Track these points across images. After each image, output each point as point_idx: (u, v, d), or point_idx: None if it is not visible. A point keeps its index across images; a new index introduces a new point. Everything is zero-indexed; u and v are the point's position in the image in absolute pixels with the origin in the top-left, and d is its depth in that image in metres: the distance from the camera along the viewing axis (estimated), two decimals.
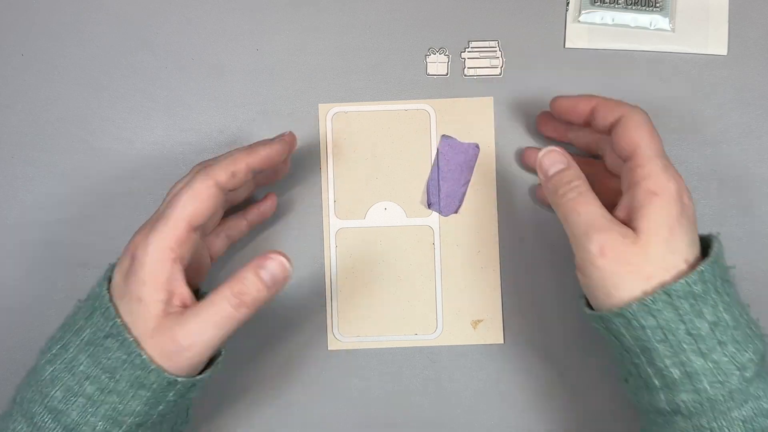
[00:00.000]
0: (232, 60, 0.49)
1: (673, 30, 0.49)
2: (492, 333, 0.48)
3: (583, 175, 0.39)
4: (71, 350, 0.37)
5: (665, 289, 0.35)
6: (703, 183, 0.48)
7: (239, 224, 0.46)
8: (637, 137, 0.38)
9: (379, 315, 0.48)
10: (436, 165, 0.47)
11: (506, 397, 0.48)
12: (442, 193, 0.47)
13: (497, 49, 0.49)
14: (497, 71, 0.49)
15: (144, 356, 0.36)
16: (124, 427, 0.37)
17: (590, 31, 0.49)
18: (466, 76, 0.49)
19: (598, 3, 0.49)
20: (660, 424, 0.37)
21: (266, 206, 0.47)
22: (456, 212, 0.48)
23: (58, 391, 0.36)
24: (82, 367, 0.37)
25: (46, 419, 0.36)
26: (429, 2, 0.49)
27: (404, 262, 0.48)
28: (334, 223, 0.48)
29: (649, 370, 0.36)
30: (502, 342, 0.48)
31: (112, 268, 0.39)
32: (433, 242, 0.48)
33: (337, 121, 0.48)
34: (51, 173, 0.49)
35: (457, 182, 0.47)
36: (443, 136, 0.47)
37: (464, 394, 0.48)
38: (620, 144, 0.39)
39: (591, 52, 0.49)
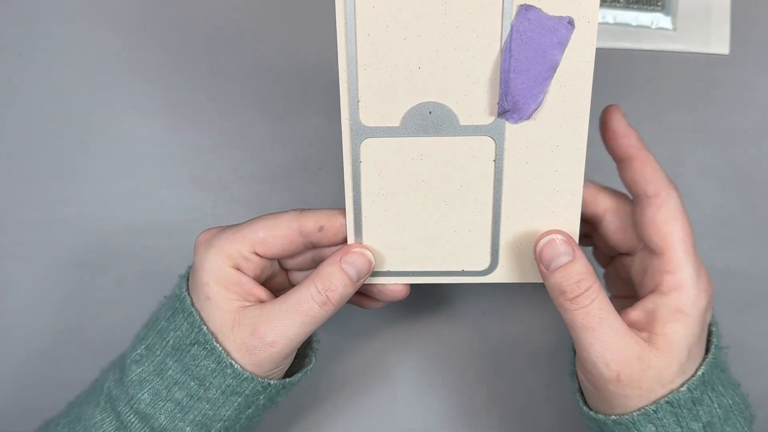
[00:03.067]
0: (232, 60, 0.49)
1: (674, 29, 0.48)
2: None
3: (593, 271, 0.35)
4: (158, 353, 0.37)
5: (668, 400, 0.34)
6: (704, 182, 0.48)
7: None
8: (672, 232, 0.34)
9: (415, 247, 0.38)
10: (508, 48, 0.33)
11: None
12: (512, 90, 0.34)
13: None
14: None
15: (236, 366, 0.35)
16: (212, 431, 0.37)
17: None
18: None
19: (600, 2, 0.48)
20: None
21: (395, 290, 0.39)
22: (529, 118, 0.35)
23: (145, 394, 0.36)
24: (170, 372, 0.36)
25: (133, 420, 0.36)
26: None
27: (452, 183, 0.36)
28: (357, 131, 0.35)
29: None
30: None
31: (189, 268, 0.39)
32: (494, 158, 0.36)
33: None
34: (50, 173, 0.49)
35: (535, 75, 0.34)
36: (522, 5, 0.33)
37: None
38: (649, 232, 0.35)
39: None
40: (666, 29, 0.49)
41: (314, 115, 0.49)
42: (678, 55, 0.49)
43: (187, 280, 0.38)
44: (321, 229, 0.37)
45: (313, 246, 0.38)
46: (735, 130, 0.48)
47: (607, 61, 0.48)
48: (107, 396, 0.37)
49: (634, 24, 0.49)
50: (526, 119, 0.35)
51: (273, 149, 0.49)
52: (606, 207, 0.38)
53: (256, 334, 0.35)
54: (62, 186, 0.49)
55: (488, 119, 0.35)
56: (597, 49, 0.49)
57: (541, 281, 0.38)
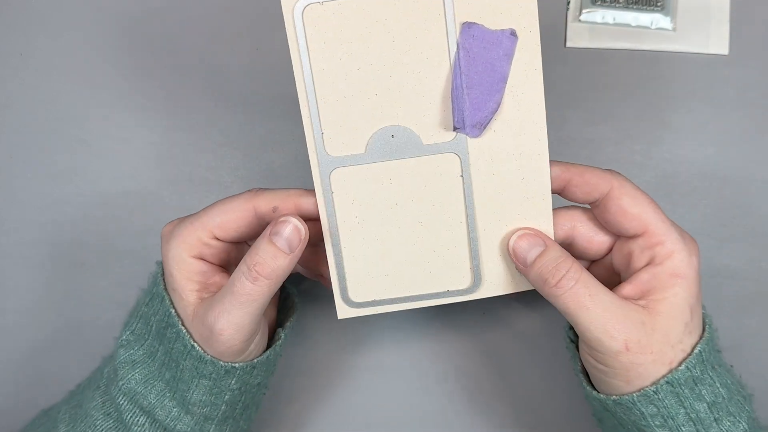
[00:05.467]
0: (232, 60, 0.49)
1: (674, 29, 0.48)
2: None
3: (569, 255, 0.35)
4: (146, 337, 0.38)
5: (668, 380, 0.34)
6: (704, 183, 0.48)
7: None
8: (643, 211, 0.35)
9: (398, 272, 0.38)
10: (457, 66, 0.34)
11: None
12: (468, 106, 0.35)
13: None
14: None
15: (197, 348, 0.36)
16: (195, 416, 0.37)
17: (591, 30, 0.49)
18: None
19: (599, 2, 0.48)
20: None
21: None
22: (486, 129, 0.36)
23: (137, 374, 0.37)
24: (159, 354, 0.37)
25: (122, 401, 0.37)
26: None
27: (423, 203, 0.37)
28: (325, 163, 0.36)
29: None
30: None
31: None
32: (461, 173, 0.36)
33: (311, 19, 0.34)
34: (50, 173, 0.49)
35: (487, 87, 0.35)
36: (464, 23, 0.34)
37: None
38: (624, 221, 0.35)
39: (592, 51, 0.49)
40: (665, 30, 0.49)
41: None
42: (678, 55, 0.49)
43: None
44: (275, 210, 0.36)
45: None
46: (735, 130, 0.48)
47: (606, 61, 0.49)
48: (106, 380, 0.39)
49: (633, 24, 0.49)
50: (484, 131, 0.36)
51: (273, 149, 0.49)
52: (571, 225, 0.38)
53: (205, 324, 0.35)
54: (62, 186, 0.49)
55: (450, 136, 0.36)
56: (597, 49, 0.49)
57: (528, 288, 0.38)
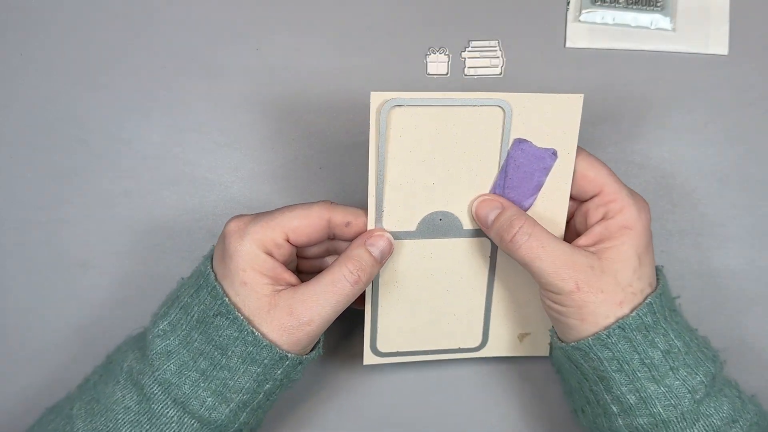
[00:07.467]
0: (232, 60, 0.49)
1: (674, 29, 0.49)
2: (538, 346, 0.46)
3: (522, 212, 0.39)
4: (183, 327, 0.39)
5: (619, 324, 0.37)
6: (704, 182, 0.48)
7: None
8: (598, 175, 0.40)
9: (421, 330, 0.44)
10: (504, 172, 0.40)
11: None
12: None
13: (498, 48, 0.49)
14: (497, 71, 0.48)
15: (256, 333, 0.37)
16: (231, 404, 0.38)
17: (591, 30, 0.49)
18: (466, 75, 0.48)
19: (599, 2, 0.48)
20: None
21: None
22: None
23: (171, 365, 0.38)
24: (196, 344, 0.38)
25: (156, 390, 0.38)
26: (429, 1, 0.49)
27: (454, 275, 0.43)
28: None
29: (606, 396, 0.38)
30: (547, 354, 0.46)
31: (213, 248, 0.41)
32: (489, 255, 0.43)
33: (392, 116, 0.39)
34: (50, 173, 0.49)
35: (524, 193, 0.41)
36: (516, 139, 0.40)
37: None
38: (582, 183, 0.40)
39: (591, 51, 0.49)
40: (665, 30, 0.49)
41: (314, 115, 0.49)
42: (677, 55, 0.49)
43: (211, 259, 0.40)
44: (348, 224, 0.40)
45: (335, 237, 0.41)
46: (735, 130, 0.48)
47: (606, 61, 0.49)
48: (127, 373, 0.39)
49: (633, 25, 0.49)
50: None
51: (273, 149, 0.49)
52: None
53: (293, 314, 0.37)
54: (62, 186, 0.49)
55: None
56: (597, 49, 0.49)
57: (522, 354, 0.45)
